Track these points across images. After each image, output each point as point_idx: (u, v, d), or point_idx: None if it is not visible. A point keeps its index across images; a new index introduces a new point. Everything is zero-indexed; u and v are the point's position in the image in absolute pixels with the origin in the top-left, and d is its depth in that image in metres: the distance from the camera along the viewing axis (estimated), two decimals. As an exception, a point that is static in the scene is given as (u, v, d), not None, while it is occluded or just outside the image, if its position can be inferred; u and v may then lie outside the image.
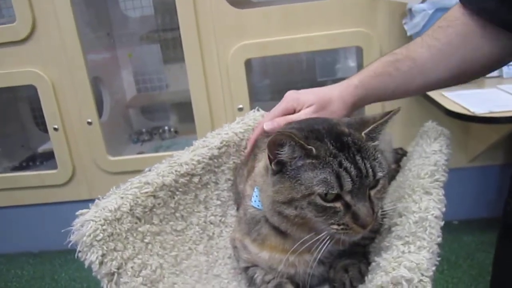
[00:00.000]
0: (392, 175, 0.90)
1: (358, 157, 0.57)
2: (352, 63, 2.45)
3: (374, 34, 1.98)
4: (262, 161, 0.69)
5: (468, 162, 2.18)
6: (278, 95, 2.59)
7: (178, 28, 2.01)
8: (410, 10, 1.87)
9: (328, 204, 0.56)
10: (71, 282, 2.19)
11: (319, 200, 0.56)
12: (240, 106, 2.09)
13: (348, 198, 0.56)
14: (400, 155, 0.97)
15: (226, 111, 2.13)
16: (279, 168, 0.60)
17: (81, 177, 2.27)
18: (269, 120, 0.80)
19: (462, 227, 2.22)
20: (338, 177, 0.55)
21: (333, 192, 0.55)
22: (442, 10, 1.79)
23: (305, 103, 0.79)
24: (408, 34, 1.89)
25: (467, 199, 2.23)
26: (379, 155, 0.60)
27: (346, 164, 0.56)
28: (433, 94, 1.83)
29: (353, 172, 0.56)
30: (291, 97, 0.82)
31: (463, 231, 2.19)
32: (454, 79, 0.80)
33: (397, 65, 0.79)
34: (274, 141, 0.58)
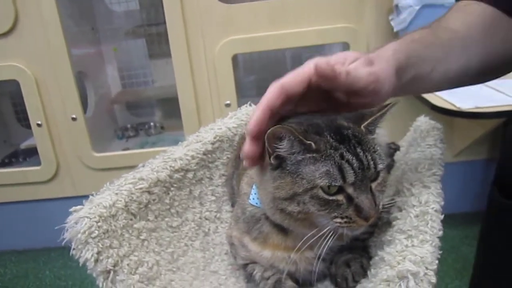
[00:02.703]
0: (387, 170, 0.91)
1: (359, 150, 0.57)
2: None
3: (361, 29, 1.99)
4: None
5: (453, 157, 2.21)
6: (264, 91, 2.61)
7: (164, 23, 1.99)
8: (396, 6, 1.88)
9: (331, 197, 0.56)
10: (55, 280, 2.15)
11: (321, 194, 0.55)
12: (228, 102, 2.08)
13: (350, 190, 0.56)
14: (393, 149, 0.97)
15: (213, 107, 2.12)
16: (278, 162, 0.59)
17: (65, 173, 2.24)
18: (279, 93, 0.57)
19: (446, 221, 2.21)
20: (341, 169, 0.55)
21: (336, 184, 0.55)
22: (428, 6, 1.81)
23: (347, 60, 0.59)
24: (395, 30, 1.90)
25: (452, 193, 2.24)
26: (378, 148, 0.60)
27: (348, 156, 0.56)
28: (419, 89, 1.85)
29: (355, 164, 0.55)
30: (323, 62, 0.56)
31: (447, 225, 2.17)
32: (494, 65, 0.70)
33: (437, 32, 0.67)
34: (273, 134, 0.57)
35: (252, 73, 2.65)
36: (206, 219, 0.83)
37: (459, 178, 2.27)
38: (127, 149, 2.38)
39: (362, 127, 0.59)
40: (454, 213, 2.26)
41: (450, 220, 2.54)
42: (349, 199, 0.56)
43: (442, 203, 0.63)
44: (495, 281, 0.80)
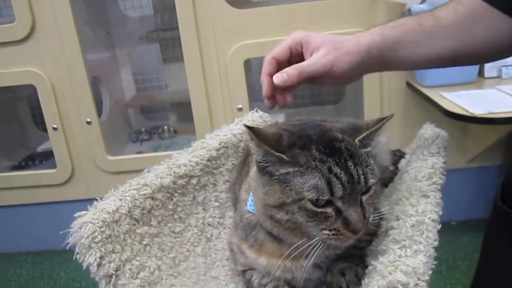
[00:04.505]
0: (390, 177, 0.91)
1: (350, 163, 0.57)
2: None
3: (374, 34, 1.98)
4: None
5: (467, 163, 2.18)
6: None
7: (178, 28, 2.01)
8: (409, 10, 1.87)
9: (319, 210, 0.56)
10: (69, 282, 2.19)
11: (309, 206, 0.56)
12: (240, 106, 2.09)
13: (339, 203, 0.56)
14: (398, 156, 0.97)
15: (225, 111, 2.13)
16: (261, 167, 0.60)
17: (80, 176, 2.27)
18: (271, 62, 0.72)
19: (460, 227, 2.23)
20: (329, 183, 0.55)
21: (324, 198, 0.55)
22: (441, 11, 1.79)
23: (314, 44, 0.70)
24: (407, 34, 1.89)
25: (466, 199, 2.23)
26: (371, 162, 0.60)
27: (336, 170, 0.56)
28: (432, 94, 1.84)
29: (344, 178, 0.56)
30: (298, 36, 0.72)
31: (461, 231, 2.20)
32: (476, 53, 0.73)
33: (420, 20, 0.72)
34: (248, 133, 0.58)
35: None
36: (209, 225, 0.84)
37: (473, 184, 2.24)
38: (141, 152, 2.41)
39: (356, 140, 0.60)
40: (467, 219, 2.24)
41: (463, 226, 2.49)
42: (338, 212, 0.56)
43: (441, 212, 0.63)
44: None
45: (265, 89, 0.73)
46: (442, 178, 0.71)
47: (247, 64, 2.13)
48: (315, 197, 0.55)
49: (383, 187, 0.89)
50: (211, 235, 0.83)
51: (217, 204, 0.87)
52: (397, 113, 2.16)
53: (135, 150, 2.47)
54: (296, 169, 0.56)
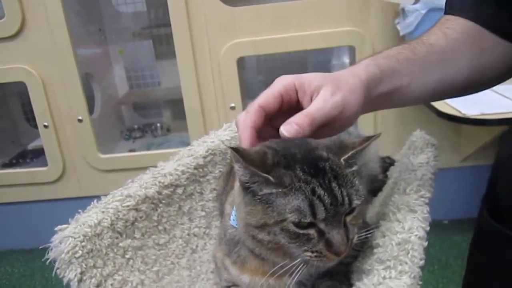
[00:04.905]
0: (379, 186, 0.89)
1: (334, 184, 0.55)
2: (344, 62, 2.44)
3: (367, 33, 1.97)
4: None
5: (460, 162, 2.18)
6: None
7: (171, 24, 1.99)
8: (403, 10, 1.86)
9: (302, 231, 0.54)
10: (61, 280, 2.18)
11: (291, 227, 0.54)
12: (232, 104, 2.07)
13: (322, 225, 0.55)
14: (388, 164, 0.96)
15: (218, 109, 2.12)
16: (245, 186, 0.58)
17: (71, 174, 2.26)
18: (258, 112, 0.60)
19: (452, 226, 2.23)
20: (312, 205, 0.53)
21: (306, 220, 0.54)
22: (435, 10, 1.78)
23: (312, 85, 0.60)
24: (401, 34, 1.88)
25: (458, 198, 2.23)
26: (356, 182, 0.58)
27: (320, 191, 0.54)
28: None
29: (327, 200, 0.54)
30: (290, 80, 0.62)
31: (453, 230, 2.20)
32: (473, 79, 0.69)
33: (413, 49, 0.66)
34: (233, 155, 0.55)
35: (260, 74, 2.64)
36: (195, 235, 0.83)
37: (466, 184, 2.24)
38: (133, 150, 2.39)
39: (342, 160, 0.58)
40: (460, 218, 2.24)
41: (457, 225, 2.49)
42: (320, 233, 0.55)
43: (428, 228, 0.62)
44: None
45: (247, 146, 0.59)
46: (430, 190, 0.70)
47: (240, 62, 2.11)
48: (296, 220, 0.54)
49: (373, 196, 0.88)
50: (197, 246, 0.82)
51: (203, 213, 0.86)
52: (391, 114, 2.17)
53: (128, 147, 2.45)
54: (280, 190, 0.55)
